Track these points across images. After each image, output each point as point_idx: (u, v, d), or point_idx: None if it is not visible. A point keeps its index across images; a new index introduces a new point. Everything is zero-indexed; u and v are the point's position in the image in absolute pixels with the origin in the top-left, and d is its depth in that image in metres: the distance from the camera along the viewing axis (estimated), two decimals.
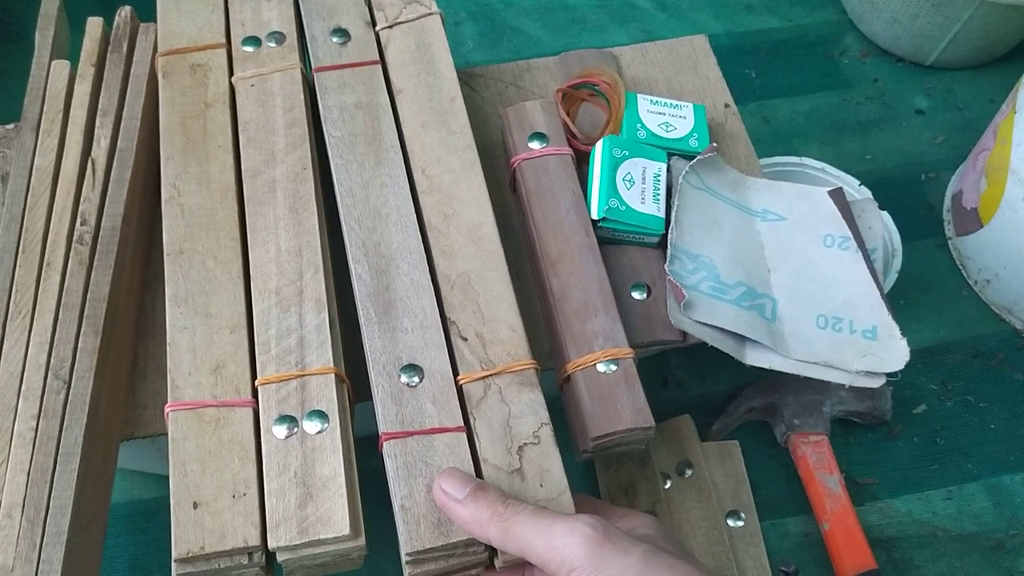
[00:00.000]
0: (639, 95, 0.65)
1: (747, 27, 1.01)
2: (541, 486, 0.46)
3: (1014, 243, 0.77)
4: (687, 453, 0.68)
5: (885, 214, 0.76)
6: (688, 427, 0.69)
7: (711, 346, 0.57)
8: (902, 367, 0.56)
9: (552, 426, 0.48)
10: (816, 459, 0.71)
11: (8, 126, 0.65)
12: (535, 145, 0.60)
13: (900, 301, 0.81)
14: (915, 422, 0.76)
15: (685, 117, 0.65)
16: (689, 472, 0.67)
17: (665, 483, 0.66)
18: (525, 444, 0.47)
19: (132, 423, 0.54)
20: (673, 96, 0.69)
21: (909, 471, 0.74)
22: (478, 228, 0.54)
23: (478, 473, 0.46)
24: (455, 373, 0.49)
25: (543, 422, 0.48)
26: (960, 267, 0.85)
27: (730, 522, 0.67)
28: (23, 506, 0.47)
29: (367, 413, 0.50)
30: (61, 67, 0.62)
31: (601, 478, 0.67)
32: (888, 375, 0.57)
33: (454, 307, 0.51)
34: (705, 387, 0.77)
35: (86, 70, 0.62)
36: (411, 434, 0.46)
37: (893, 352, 0.57)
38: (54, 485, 0.47)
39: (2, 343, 0.51)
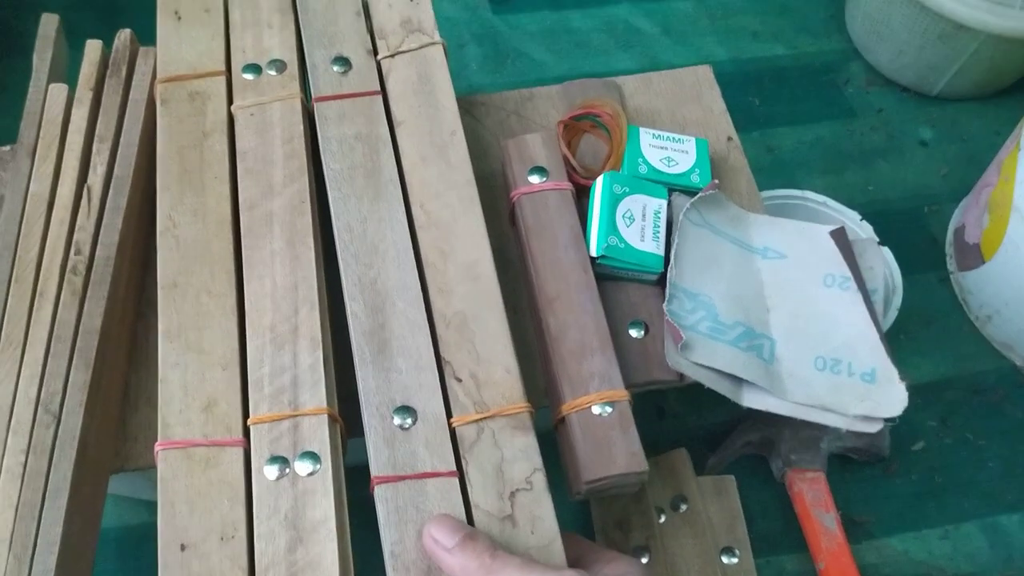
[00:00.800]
0: (641, 129, 0.65)
1: (751, 54, 1.00)
2: (532, 533, 0.45)
3: (1016, 280, 0.77)
4: (682, 487, 0.67)
5: (886, 250, 0.75)
6: (683, 461, 0.69)
7: None
8: (900, 412, 0.56)
9: (545, 471, 0.48)
10: (812, 496, 0.71)
11: (5, 147, 0.64)
12: (535, 179, 0.60)
13: (900, 335, 0.81)
14: (913, 459, 0.76)
15: (687, 151, 0.65)
16: (684, 507, 0.66)
17: (659, 517, 0.66)
18: (517, 490, 0.46)
19: (122, 456, 0.54)
20: (676, 127, 0.69)
21: (906, 509, 0.74)
22: (475, 266, 0.53)
23: (469, 519, 0.46)
24: (448, 415, 0.49)
25: (536, 468, 0.47)
26: (962, 302, 0.84)
27: (724, 559, 0.66)
28: (10, 542, 0.46)
29: (359, 443, 0.49)
30: (59, 91, 0.61)
31: (595, 511, 0.66)
32: (885, 420, 0.56)
33: (449, 347, 0.51)
34: (701, 420, 0.77)
35: (84, 94, 0.61)
36: (403, 478, 0.46)
37: (891, 396, 0.57)
38: (42, 522, 0.47)
39: None
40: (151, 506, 0.70)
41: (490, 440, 0.48)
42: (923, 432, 0.77)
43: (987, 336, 0.82)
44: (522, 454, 0.48)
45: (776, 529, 0.72)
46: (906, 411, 0.56)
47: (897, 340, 0.80)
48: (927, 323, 0.83)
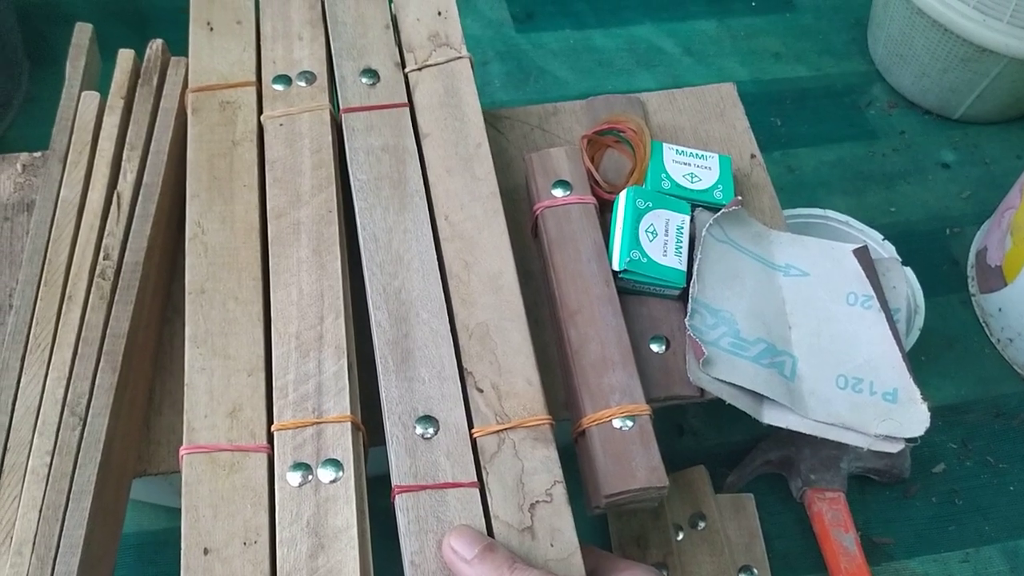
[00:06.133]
0: (664, 144, 0.65)
1: (773, 75, 1.01)
2: (552, 546, 0.46)
3: None
4: (700, 505, 0.67)
5: (908, 270, 0.75)
6: (702, 478, 0.69)
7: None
8: (922, 433, 0.56)
9: (565, 484, 0.48)
10: (832, 516, 0.70)
11: (36, 154, 0.65)
12: (558, 193, 0.60)
13: (922, 357, 0.80)
14: (934, 481, 0.76)
15: (710, 168, 0.65)
16: (702, 524, 0.66)
17: (677, 535, 0.66)
18: (537, 502, 0.47)
19: (146, 460, 0.54)
20: (699, 144, 0.69)
21: (926, 531, 0.73)
22: (498, 277, 0.54)
23: (489, 530, 0.46)
24: (470, 426, 0.49)
25: (556, 480, 0.47)
26: (983, 324, 0.84)
27: None
28: (34, 543, 0.47)
29: (380, 452, 0.49)
30: (91, 98, 0.62)
31: (613, 527, 0.66)
32: (907, 440, 0.56)
33: (471, 357, 0.51)
34: (721, 437, 0.77)
35: (115, 102, 0.62)
36: (424, 488, 0.46)
37: (913, 417, 0.56)
38: (65, 523, 0.47)
39: (20, 376, 0.52)
40: (171, 512, 0.70)
41: (511, 451, 0.48)
42: (944, 454, 0.77)
43: (1009, 359, 0.82)
44: (543, 466, 0.48)
45: (795, 549, 0.72)
46: (927, 433, 0.56)
47: (918, 362, 0.80)
48: (948, 345, 0.83)
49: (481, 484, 0.47)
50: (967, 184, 0.93)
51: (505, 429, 0.49)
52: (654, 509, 0.66)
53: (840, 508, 0.71)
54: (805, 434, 0.59)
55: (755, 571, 0.66)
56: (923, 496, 0.75)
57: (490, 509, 0.46)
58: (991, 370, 0.82)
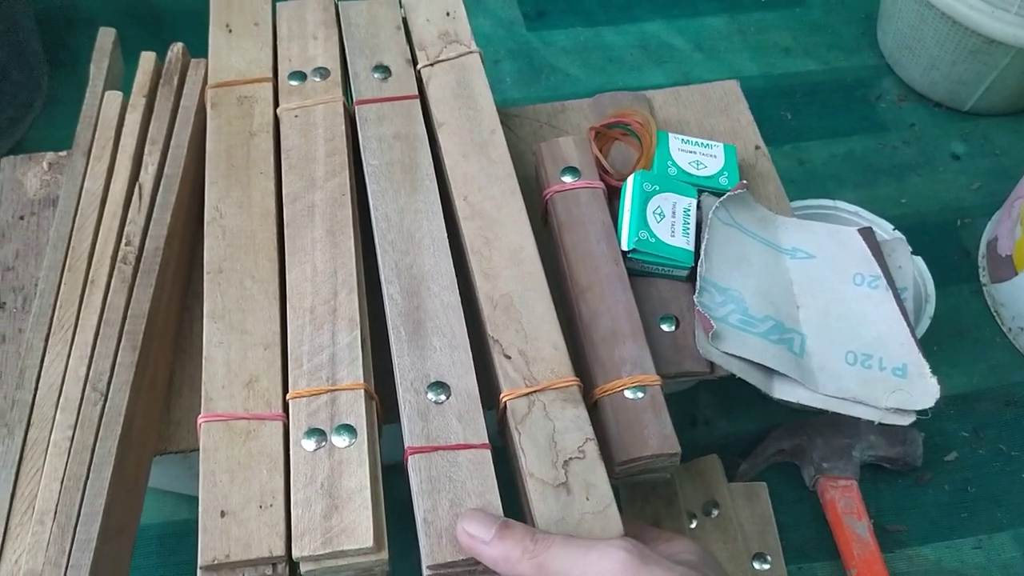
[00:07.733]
0: (670, 134, 0.67)
1: (784, 69, 1.02)
2: (587, 499, 0.47)
3: None
4: (714, 493, 0.68)
5: (919, 259, 0.76)
6: (715, 467, 0.69)
7: (740, 384, 0.57)
8: (932, 404, 0.56)
9: (596, 441, 0.49)
10: (845, 504, 0.71)
11: (62, 152, 0.67)
12: (567, 179, 0.62)
13: (933, 346, 0.81)
14: (946, 469, 0.76)
15: (716, 156, 0.66)
16: (715, 512, 0.66)
17: (691, 523, 0.66)
18: (571, 459, 0.48)
19: (166, 438, 0.55)
20: (704, 137, 0.70)
21: (939, 519, 0.73)
22: (519, 251, 0.55)
23: (523, 488, 0.47)
24: (497, 391, 0.50)
25: (588, 437, 0.49)
26: (994, 314, 0.84)
27: (756, 565, 0.66)
28: (55, 512, 0.48)
29: (395, 441, 0.50)
30: (114, 97, 0.64)
31: (626, 514, 0.66)
32: (918, 413, 0.56)
33: (497, 327, 0.52)
34: (734, 427, 0.77)
35: (137, 101, 0.64)
36: (436, 449, 0.47)
37: (923, 390, 0.57)
38: (86, 493, 0.48)
39: (44, 356, 0.53)
40: (192, 503, 0.71)
41: (541, 412, 0.49)
42: (956, 443, 0.77)
43: (1020, 348, 0.82)
44: (573, 424, 0.49)
45: (808, 536, 0.72)
46: (938, 422, 0.57)
47: (930, 351, 0.79)
48: (960, 334, 0.83)
49: (514, 444, 0.48)
50: (977, 175, 0.94)
51: (534, 391, 0.50)
52: (667, 496, 0.66)
53: (853, 496, 0.71)
54: (817, 422, 0.59)
55: (768, 558, 0.66)
56: (936, 484, 0.75)
57: (524, 467, 0.47)
58: (1002, 359, 0.82)
